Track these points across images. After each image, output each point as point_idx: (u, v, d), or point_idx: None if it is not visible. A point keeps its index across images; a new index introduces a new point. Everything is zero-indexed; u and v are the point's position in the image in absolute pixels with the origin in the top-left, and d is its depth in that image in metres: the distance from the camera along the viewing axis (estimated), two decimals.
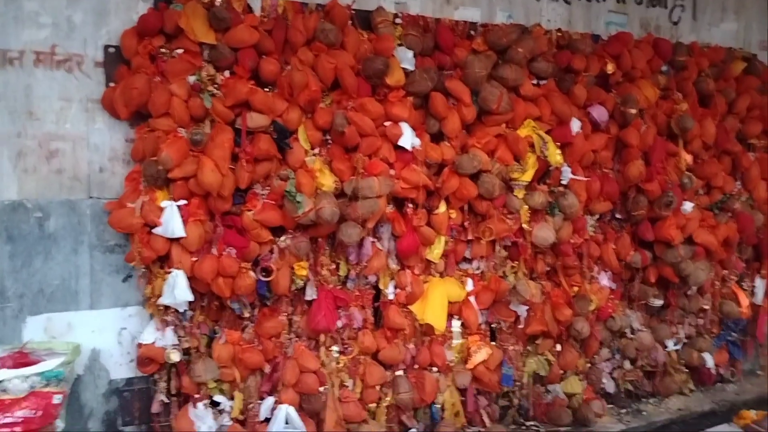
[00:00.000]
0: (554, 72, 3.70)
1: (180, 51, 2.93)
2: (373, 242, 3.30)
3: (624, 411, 4.08)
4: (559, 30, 3.84)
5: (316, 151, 3.17)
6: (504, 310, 3.70)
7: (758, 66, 4.47)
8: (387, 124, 3.23)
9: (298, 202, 2.98)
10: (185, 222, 2.86)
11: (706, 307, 4.38)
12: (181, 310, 2.96)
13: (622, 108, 3.87)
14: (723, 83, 4.30)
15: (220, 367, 3.02)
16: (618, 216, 4.06)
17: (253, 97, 2.94)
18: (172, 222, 2.81)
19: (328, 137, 3.20)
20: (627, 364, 4.15)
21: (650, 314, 4.28)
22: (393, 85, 3.23)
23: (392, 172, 3.23)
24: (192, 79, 2.93)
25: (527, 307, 3.71)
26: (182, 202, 2.88)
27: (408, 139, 3.22)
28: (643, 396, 4.23)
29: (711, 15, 4.48)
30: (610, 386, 4.08)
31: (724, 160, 4.31)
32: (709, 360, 4.42)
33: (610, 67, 3.85)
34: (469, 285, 3.64)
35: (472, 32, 3.64)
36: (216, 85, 2.97)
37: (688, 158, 4.11)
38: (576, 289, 3.90)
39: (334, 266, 3.29)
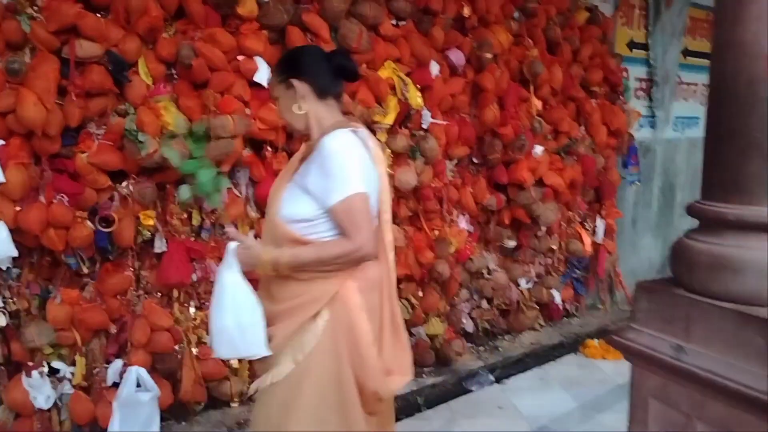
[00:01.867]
0: (413, 12, 3.63)
1: None
2: (229, 188, 3.07)
3: (482, 348, 4.25)
4: None
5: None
6: None
7: (599, 16, 4.70)
8: (240, 58, 2.98)
9: (141, 142, 2.68)
10: (4, 166, 2.46)
11: (554, 247, 4.64)
12: (3, 267, 2.58)
13: (478, 52, 3.91)
14: (569, 31, 4.48)
15: (57, 329, 2.69)
16: (475, 160, 4.13)
17: (82, 21, 2.57)
18: None
19: (173, 71, 2.90)
20: (484, 304, 4.30)
21: (504, 255, 4.45)
22: (245, 15, 2.98)
23: (248, 111, 3.01)
24: None
25: None
26: (0, 142, 2.47)
27: (264, 75, 3.00)
28: (499, 333, 4.42)
29: None
30: (469, 326, 4.21)
31: (569, 106, 4.53)
32: (557, 296, 4.71)
33: (466, 11, 3.85)
34: None
35: None
36: (36, 7, 2.56)
37: (538, 104, 4.27)
38: (436, 232, 3.94)
39: (185, 215, 3.03)
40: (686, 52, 5.67)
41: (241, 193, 3.15)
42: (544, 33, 4.32)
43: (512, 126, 4.04)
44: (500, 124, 4.01)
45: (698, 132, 5.68)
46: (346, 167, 1.72)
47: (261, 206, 3.23)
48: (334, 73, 1.86)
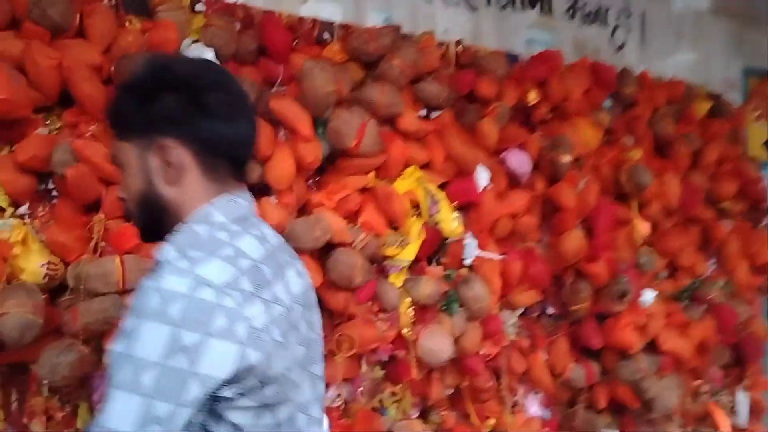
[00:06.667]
0: (451, 99, 2.51)
1: None
2: None
3: None
4: (459, 42, 2.66)
5: (23, 210, 1.81)
6: None
7: (726, 107, 3.42)
8: None
9: None
10: None
11: None
12: None
13: (552, 154, 2.70)
14: (684, 127, 3.20)
15: None
16: (550, 312, 2.82)
17: None
18: None
19: (50, 186, 1.86)
20: None
21: None
22: None
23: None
24: None
25: None
26: None
27: None
28: None
29: (663, 40, 3.42)
30: None
31: (691, 230, 3.16)
32: None
33: (532, 96, 2.68)
34: (323, 427, 2.26)
35: (327, 35, 2.41)
36: None
37: (644, 228, 2.94)
38: (492, 422, 2.60)
39: (60, 414, 1.87)
40: None
41: None
42: (649, 128, 3.06)
43: (606, 261, 2.74)
44: (588, 259, 2.73)
45: None
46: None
47: None
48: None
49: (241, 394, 0.91)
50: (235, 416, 0.93)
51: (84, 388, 1.92)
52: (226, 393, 0.90)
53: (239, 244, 0.95)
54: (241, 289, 0.90)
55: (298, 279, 1.07)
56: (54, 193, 1.86)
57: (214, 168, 1.00)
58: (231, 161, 1.02)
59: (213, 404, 0.91)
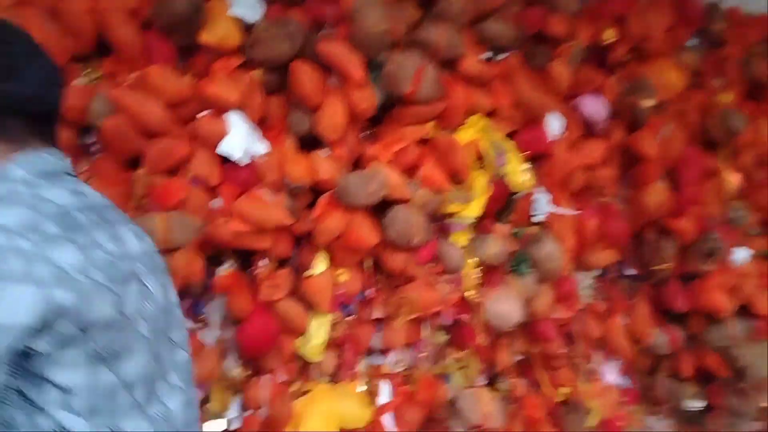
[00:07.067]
0: (518, 40, 2.26)
1: None
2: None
3: None
4: None
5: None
6: None
7: None
8: (202, 114, 1.77)
9: None
10: None
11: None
12: None
13: (631, 99, 2.43)
14: None
15: None
16: (629, 272, 2.57)
17: None
18: None
19: (92, 140, 1.76)
20: None
21: (685, 421, 2.73)
22: (215, 45, 1.79)
23: (217, 202, 1.77)
24: None
25: None
26: None
27: (239, 142, 1.75)
28: None
29: None
30: None
31: None
32: None
33: (608, 34, 2.41)
34: (384, 394, 2.14)
35: None
36: None
37: (735, 179, 2.64)
38: (565, 391, 2.41)
39: None
40: None
41: (209, 337, 1.87)
42: (740, 69, 2.73)
43: (693, 216, 2.47)
44: (672, 214, 2.46)
45: None
46: None
47: (249, 358, 1.94)
48: None
49: (61, 346, 0.79)
50: (61, 375, 0.80)
51: None
52: (41, 345, 0.78)
53: (44, 193, 0.85)
54: (42, 231, 0.79)
55: (136, 240, 0.96)
56: (94, 148, 1.76)
57: (3, 127, 0.88)
58: (25, 119, 0.90)
59: (29, 362, 0.79)
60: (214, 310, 1.89)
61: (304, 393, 2.03)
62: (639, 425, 2.60)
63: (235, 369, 1.93)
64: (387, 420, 2.12)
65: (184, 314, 1.73)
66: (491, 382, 2.35)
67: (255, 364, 1.96)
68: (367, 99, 1.94)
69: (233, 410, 1.95)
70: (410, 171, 2.05)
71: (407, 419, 2.11)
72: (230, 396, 1.94)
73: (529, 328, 2.29)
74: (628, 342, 2.50)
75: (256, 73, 1.86)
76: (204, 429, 1.93)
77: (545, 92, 2.26)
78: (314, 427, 1.97)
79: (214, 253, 1.84)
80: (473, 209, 2.09)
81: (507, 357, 2.30)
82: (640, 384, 2.64)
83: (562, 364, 2.40)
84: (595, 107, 2.38)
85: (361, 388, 2.10)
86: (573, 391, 2.42)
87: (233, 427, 1.95)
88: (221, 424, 1.90)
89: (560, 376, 2.42)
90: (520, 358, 2.37)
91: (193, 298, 1.83)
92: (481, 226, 2.17)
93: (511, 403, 2.33)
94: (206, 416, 1.93)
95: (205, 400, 1.92)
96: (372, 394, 2.12)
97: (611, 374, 2.54)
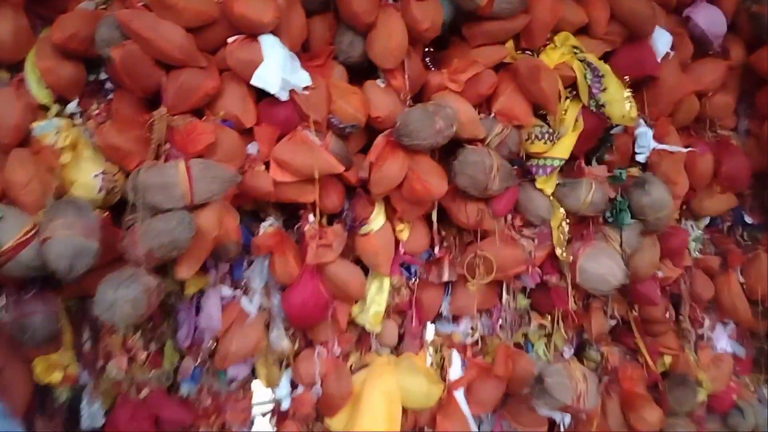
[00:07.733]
0: None
1: None
2: (223, 298, 1.58)
3: None
4: None
5: (72, 108, 1.45)
6: (526, 415, 1.89)
7: None
8: (232, 40, 1.46)
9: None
10: None
11: None
12: None
13: (754, 9, 2.01)
14: None
15: None
16: (749, 220, 2.19)
17: None
18: None
19: (104, 76, 1.49)
20: None
21: None
22: None
23: (253, 147, 1.48)
24: None
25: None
26: None
27: (276, 72, 1.43)
28: None
29: None
30: None
31: None
32: None
33: None
34: (456, 367, 1.86)
35: None
36: None
37: None
38: (668, 360, 2.08)
39: (144, 354, 1.58)
40: None
41: (252, 304, 1.62)
42: None
43: None
44: None
45: None
46: None
47: (299, 328, 1.69)
48: None
49: None
50: None
51: (168, 323, 1.63)
52: None
53: None
54: None
55: None
56: (108, 85, 1.48)
57: None
58: None
59: None
60: (255, 275, 1.63)
61: (363, 367, 1.78)
62: (753, 400, 2.24)
63: (282, 341, 1.67)
64: (459, 397, 1.84)
65: (220, 280, 1.48)
66: (578, 351, 2.03)
67: (305, 336, 1.71)
68: (431, 15, 1.59)
69: (282, 388, 1.71)
70: (485, 103, 1.71)
71: (483, 397, 1.83)
72: (278, 372, 1.70)
73: (627, 288, 1.93)
74: (744, 303, 2.16)
75: None
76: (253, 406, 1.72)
77: (650, 1, 1.84)
78: (375, 407, 1.71)
79: (252, 208, 1.58)
80: (562, 149, 1.74)
81: (600, 323, 1.98)
82: (756, 351, 2.26)
83: (665, 329, 2.07)
84: (710, 19, 1.97)
85: (429, 360, 1.84)
86: (677, 360, 2.10)
87: (283, 406, 1.71)
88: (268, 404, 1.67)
89: (662, 343, 2.12)
90: (614, 323, 2.05)
91: (230, 261, 1.57)
92: (571, 170, 1.81)
93: (603, 375, 2.02)
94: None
95: (250, 377, 1.70)
96: (441, 367, 1.85)
97: (722, 340, 2.21)
